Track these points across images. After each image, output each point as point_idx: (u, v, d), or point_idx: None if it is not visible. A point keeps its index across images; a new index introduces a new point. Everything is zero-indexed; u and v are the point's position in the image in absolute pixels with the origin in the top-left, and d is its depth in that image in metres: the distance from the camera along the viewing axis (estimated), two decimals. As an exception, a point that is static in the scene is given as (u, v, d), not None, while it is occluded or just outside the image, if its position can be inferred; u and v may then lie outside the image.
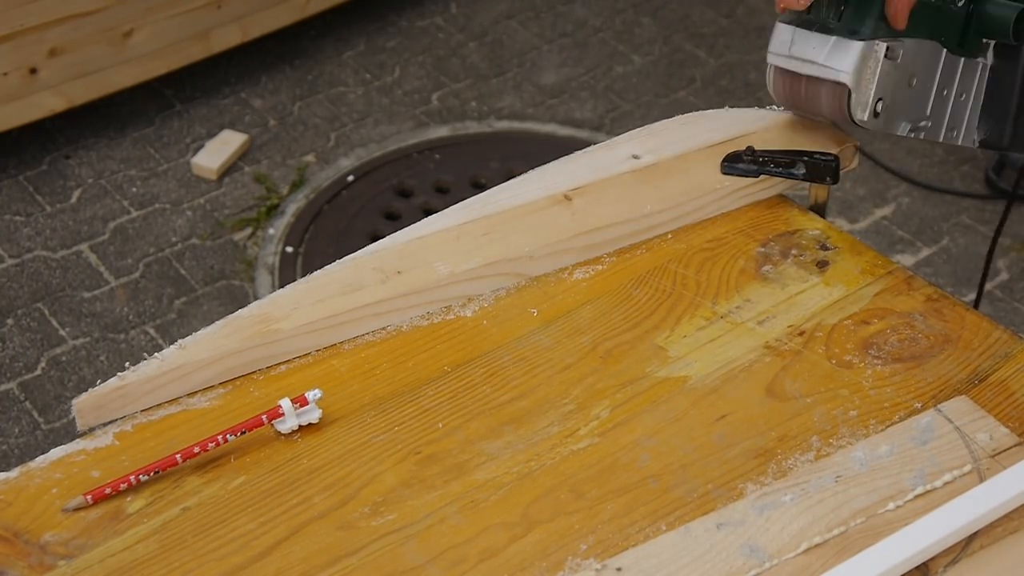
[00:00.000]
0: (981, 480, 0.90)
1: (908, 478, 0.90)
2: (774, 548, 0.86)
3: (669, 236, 1.14)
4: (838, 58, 1.07)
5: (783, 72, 1.12)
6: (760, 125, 1.22)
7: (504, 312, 1.06)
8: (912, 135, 1.14)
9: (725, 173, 1.17)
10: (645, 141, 1.21)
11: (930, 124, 1.15)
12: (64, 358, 2.42)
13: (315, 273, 1.06)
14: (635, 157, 1.19)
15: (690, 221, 1.15)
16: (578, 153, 1.20)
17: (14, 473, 0.91)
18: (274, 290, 2.64)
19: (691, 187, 1.16)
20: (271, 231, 2.70)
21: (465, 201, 1.14)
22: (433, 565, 0.86)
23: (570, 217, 1.12)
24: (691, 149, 1.20)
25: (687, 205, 1.15)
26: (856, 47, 1.06)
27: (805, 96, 1.12)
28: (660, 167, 1.18)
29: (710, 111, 1.25)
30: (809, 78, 1.10)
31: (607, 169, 1.17)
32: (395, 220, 2.73)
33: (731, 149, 1.18)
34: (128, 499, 0.90)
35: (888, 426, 0.95)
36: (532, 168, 1.19)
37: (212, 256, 2.64)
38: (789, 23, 1.10)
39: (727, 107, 1.26)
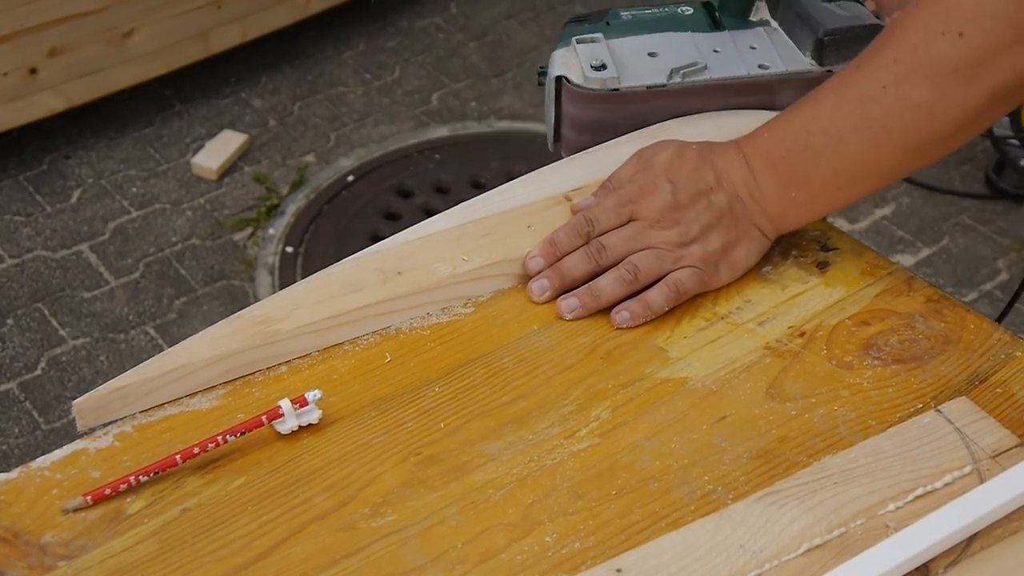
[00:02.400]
0: (981, 481, 0.90)
1: (908, 479, 0.90)
2: (774, 549, 0.86)
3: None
4: None
5: None
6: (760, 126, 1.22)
7: (504, 313, 1.06)
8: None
9: None
10: (645, 141, 1.21)
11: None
12: (64, 358, 2.42)
13: (316, 274, 1.06)
14: None
15: None
16: (578, 154, 1.20)
17: (14, 473, 0.91)
18: (274, 290, 2.64)
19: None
20: (271, 231, 2.71)
21: (466, 202, 1.14)
22: (433, 566, 0.86)
23: (569, 216, 1.12)
24: (691, 150, 1.19)
25: None
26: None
27: None
28: (660, 168, 1.18)
29: (710, 112, 1.24)
30: None
31: (607, 169, 1.16)
32: (395, 220, 2.73)
33: None
34: (128, 500, 0.90)
35: (888, 427, 0.95)
36: (532, 168, 1.19)
37: (212, 256, 2.64)
38: None
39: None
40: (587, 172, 1.17)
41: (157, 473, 0.91)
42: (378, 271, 1.06)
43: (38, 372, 2.40)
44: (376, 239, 2.70)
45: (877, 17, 1.20)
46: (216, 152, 2.86)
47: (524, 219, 1.12)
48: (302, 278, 2.63)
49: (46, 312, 2.51)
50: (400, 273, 1.06)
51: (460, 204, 1.14)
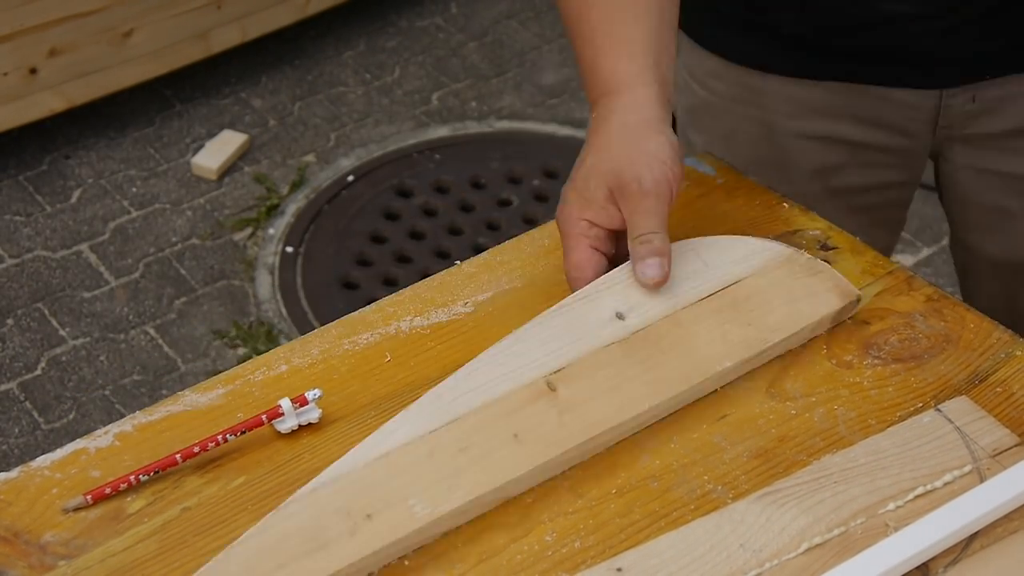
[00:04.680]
0: (981, 480, 0.90)
1: (908, 478, 0.90)
2: (774, 548, 0.85)
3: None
4: None
5: None
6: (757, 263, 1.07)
7: (504, 312, 1.06)
8: None
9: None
10: (628, 294, 1.01)
11: None
12: (64, 358, 2.42)
13: (267, 518, 0.87)
14: (619, 317, 1.00)
15: (690, 400, 0.98)
16: (554, 311, 1.00)
17: (14, 473, 0.91)
18: (274, 290, 2.63)
19: (691, 367, 0.98)
20: (271, 231, 2.71)
21: (430, 391, 0.95)
22: (433, 565, 0.86)
23: (556, 418, 0.93)
24: (680, 307, 1.01)
25: (688, 391, 0.97)
26: None
27: None
28: (650, 335, 0.99)
29: (702, 239, 1.08)
30: None
31: (589, 340, 0.98)
32: (395, 220, 2.73)
33: (725, 296, 1.02)
34: (128, 499, 0.90)
35: (888, 426, 0.95)
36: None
37: (212, 256, 2.64)
38: None
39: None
40: (567, 340, 0.98)
41: (157, 472, 0.91)
42: (342, 513, 0.87)
43: (38, 372, 2.40)
44: (376, 239, 2.70)
45: None
46: (216, 152, 2.85)
47: (504, 420, 0.93)
48: (302, 278, 2.63)
49: (46, 312, 2.51)
50: (369, 516, 0.87)
51: (426, 395, 0.94)
